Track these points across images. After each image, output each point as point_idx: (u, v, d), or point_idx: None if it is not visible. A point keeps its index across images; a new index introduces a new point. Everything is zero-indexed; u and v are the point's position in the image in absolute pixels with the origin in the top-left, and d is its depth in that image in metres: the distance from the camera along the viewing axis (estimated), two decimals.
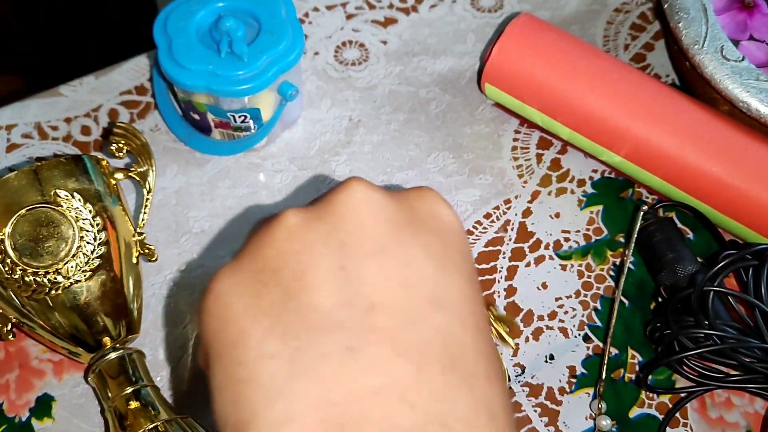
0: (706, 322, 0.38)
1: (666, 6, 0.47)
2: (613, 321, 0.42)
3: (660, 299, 0.44)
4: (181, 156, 0.49)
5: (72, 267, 0.37)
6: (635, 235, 0.43)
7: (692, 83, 0.48)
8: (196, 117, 0.47)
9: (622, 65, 0.47)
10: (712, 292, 0.38)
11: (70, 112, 0.51)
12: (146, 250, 0.42)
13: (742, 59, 0.45)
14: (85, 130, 0.50)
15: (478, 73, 0.53)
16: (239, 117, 0.46)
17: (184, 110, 0.48)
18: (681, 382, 0.42)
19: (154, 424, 0.36)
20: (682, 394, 0.41)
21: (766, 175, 0.43)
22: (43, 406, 0.41)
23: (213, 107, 0.46)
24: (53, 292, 0.37)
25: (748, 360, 0.38)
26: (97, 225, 0.38)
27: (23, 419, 0.41)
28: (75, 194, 0.38)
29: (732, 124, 0.45)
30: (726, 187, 0.43)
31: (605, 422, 0.40)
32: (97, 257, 0.38)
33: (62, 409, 0.41)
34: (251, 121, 0.46)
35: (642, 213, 0.44)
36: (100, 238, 0.38)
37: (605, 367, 0.41)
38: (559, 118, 0.47)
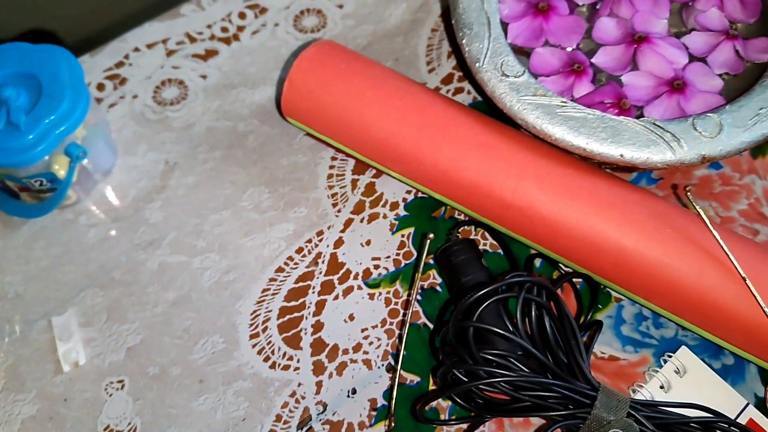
0: (470, 356, 0.38)
1: (453, 21, 0.47)
2: (402, 352, 0.42)
3: None
4: None
5: None
6: (422, 263, 0.43)
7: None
8: None
9: (414, 88, 0.46)
10: (470, 327, 0.38)
11: None
12: None
13: (522, 74, 0.44)
14: None
15: (276, 105, 0.53)
16: (36, 182, 0.46)
17: None
18: None
19: None
20: (463, 426, 0.41)
21: (549, 192, 0.42)
22: None
23: (8, 176, 0.46)
24: None
25: (521, 392, 0.38)
26: None
27: None
28: None
29: (519, 142, 0.44)
30: (509, 207, 0.43)
31: None
32: None
33: None
34: (49, 184, 0.47)
35: (429, 241, 0.43)
36: None
37: (394, 401, 0.42)
38: (348, 144, 0.47)
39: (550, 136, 0.42)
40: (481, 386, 0.38)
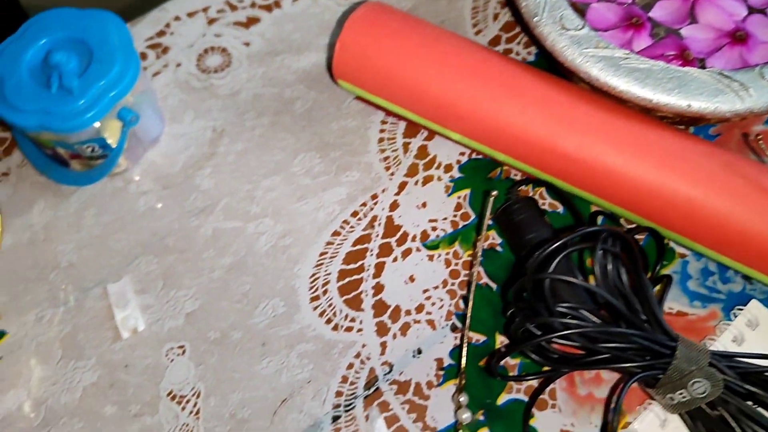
0: (546, 309, 0.38)
1: None
2: (469, 310, 0.42)
3: None
4: (49, 189, 0.49)
5: None
6: (486, 222, 0.43)
7: (547, 55, 0.47)
8: (49, 152, 0.47)
9: (468, 45, 0.46)
10: (547, 279, 0.37)
11: None
12: None
13: (582, 27, 0.43)
14: None
15: (327, 69, 0.52)
16: (87, 148, 0.46)
17: (37, 146, 0.48)
18: None
19: None
20: (534, 381, 0.41)
21: (616, 145, 0.42)
22: None
23: (59, 142, 0.45)
24: None
25: (598, 344, 0.37)
26: None
27: None
28: None
29: (581, 96, 0.43)
30: (573, 161, 0.42)
31: (465, 415, 0.40)
32: None
33: None
34: (100, 150, 0.46)
35: (492, 198, 0.43)
36: None
37: (465, 358, 0.41)
38: (403, 105, 0.46)
39: (614, 89, 0.41)
40: (554, 340, 0.38)
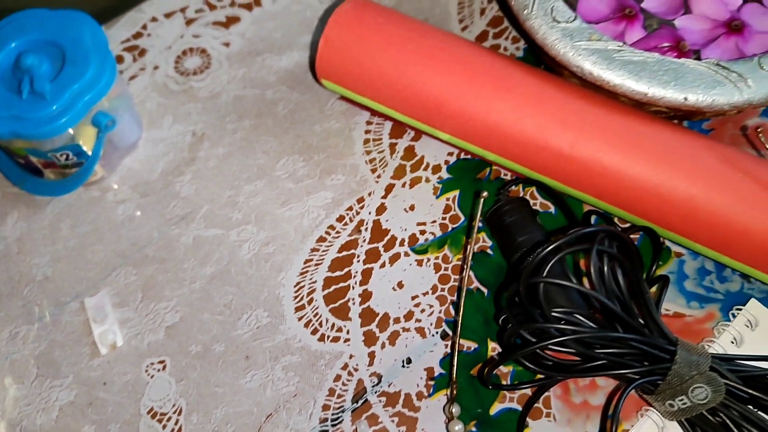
0: (540, 314, 0.36)
1: None
2: (460, 316, 0.40)
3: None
4: (22, 200, 0.48)
5: None
6: (477, 224, 0.41)
7: (537, 49, 0.46)
8: (21, 161, 0.45)
9: (456, 41, 0.44)
10: (541, 283, 0.35)
11: None
12: None
13: (574, 19, 0.41)
14: None
15: (310, 68, 0.50)
16: (61, 155, 0.44)
17: (9, 155, 0.46)
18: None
19: None
20: (527, 389, 0.39)
21: (611, 142, 0.40)
22: None
23: (32, 150, 0.44)
24: None
25: (594, 350, 0.36)
26: None
27: None
28: None
29: (573, 92, 0.42)
30: (567, 159, 0.41)
31: (458, 427, 0.39)
32: None
33: None
34: (75, 158, 0.44)
35: (483, 199, 0.41)
36: None
37: (455, 368, 0.40)
38: (389, 104, 0.44)
39: (608, 83, 0.40)
40: (550, 347, 0.36)
